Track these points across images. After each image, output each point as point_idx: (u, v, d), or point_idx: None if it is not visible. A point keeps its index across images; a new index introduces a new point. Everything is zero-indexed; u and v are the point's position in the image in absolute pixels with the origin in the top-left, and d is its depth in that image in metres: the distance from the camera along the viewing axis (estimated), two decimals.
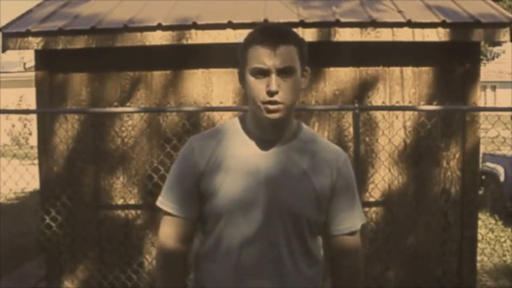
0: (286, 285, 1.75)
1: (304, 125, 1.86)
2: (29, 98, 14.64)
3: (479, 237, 4.88)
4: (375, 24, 4.34)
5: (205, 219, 1.80)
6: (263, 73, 1.68)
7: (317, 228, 1.82)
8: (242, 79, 1.77)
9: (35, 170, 4.76)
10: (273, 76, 1.67)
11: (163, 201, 1.85)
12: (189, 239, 1.85)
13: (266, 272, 1.74)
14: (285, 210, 1.75)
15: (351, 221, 1.85)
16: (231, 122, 1.85)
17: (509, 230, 7.38)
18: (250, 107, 1.78)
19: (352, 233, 1.86)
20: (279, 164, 1.76)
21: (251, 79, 1.70)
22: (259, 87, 1.69)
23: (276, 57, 1.67)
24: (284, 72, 1.68)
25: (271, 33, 1.72)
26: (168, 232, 1.84)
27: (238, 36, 4.32)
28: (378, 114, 4.57)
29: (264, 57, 1.68)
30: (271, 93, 1.67)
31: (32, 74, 5.11)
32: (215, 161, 1.76)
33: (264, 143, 1.77)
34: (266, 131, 1.76)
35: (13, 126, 18.81)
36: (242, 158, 1.76)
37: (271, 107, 1.68)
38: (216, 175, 1.75)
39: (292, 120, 1.80)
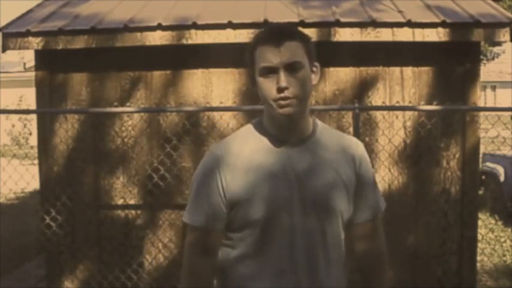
0: (322, 283, 1.76)
1: (318, 120, 1.87)
2: (29, 98, 14.65)
3: (479, 237, 4.88)
4: (375, 24, 4.34)
5: (238, 227, 1.76)
6: (271, 71, 1.69)
7: (346, 220, 1.83)
8: (253, 83, 1.77)
9: (35, 170, 4.76)
10: (281, 73, 1.68)
11: (190, 216, 1.81)
12: (217, 251, 1.82)
13: (306, 271, 1.74)
14: (320, 207, 1.75)
15: (375, 206, 1.89)
16: (249, 127, 1.84)
17: (509, 230, 7.38)
18: (265, 108, 1.77)
19: (376, 219, 1.90)
20: (306, 162, 1.76)
21: (260, 80, 1.71)
22: (269, 86, 1.69)
23: (282, 53, 1.68)
24: (292, 67, 1.68)
25: (274, 32, 1.73)
26: (198, 247, 1.79)
27: (238, 36, 4.32)
28: (378, 114, 4.57)
29: (270, 55, 1.68)
30: (281, 90, 1.67)
31: (32, 74, 5.11)
32: (242, 168, 1.74)
33: (285, 143, 1.76)
34: (284, 129, 1.76)
35: (13, 126, 18.81)
36: (268, 161, 1.75)
37: (283, 102, 1.68)
38: (245, 182, 1.73)
39: (308, 116, 1.81)
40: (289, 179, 1.73)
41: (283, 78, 1.67)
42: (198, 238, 1.79)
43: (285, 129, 1.76)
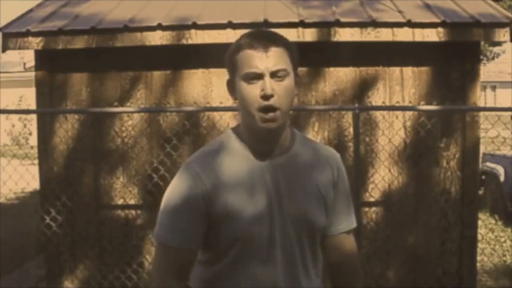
0: None
1: (296, 130, 1.80)
2: (29, 98, 14.63)
3: (479, 237, 4.88)
4: (375, 24, 4.34)
5: (218, 244, 1.70)
6: (256, 77, 1.60)
7: (321, 233, 1.80)
8: (232, 89, 1.69)
9: (35, 170, 4.76)
10: (267, 79, 1.59)
11: (167, 236, 1.69)
12: (189, 273, 1.74)
13: (287, 286, 1.71)
14: (300, 223, 1.71)
15: (349, 220, 1.86)
16: (225, 139, 1.74)
17: (509, 230, 7.38)
18: (244, 118, 1.68)
19: (350, 232, 1.87)
20: (286, 176, 1.70)
21: (243, 85, 1.62)
22: (253, 92, 1.61)
23: (269, 59, 1.60)
24: (278, 74, 1.60)
25: (260, 37, 1.65)
26: (173, 269, 1.69)
27: (238, 36, 4.31)
28: (378, 114, 4.57)
29: (256, 60, 1.60)
30: (266, 97, 1.59)
31: (32, 74, 5.12)
32: (222, 183, 1.66)
33: (265, 156, 1.69)
34: (263, 142, 1.69)
35: (13, 126, 18.82)
36: (249, 176, 1.68)
37: (267, 116, 1.60)
38: (228, 199, 1.66)
39: (288, 127, 1.73)
40: (269, 194, 1.68)
41: (269, 86, 1.59)
42: (175, 259, 1.69)
43: (265, 141, 1.68)
